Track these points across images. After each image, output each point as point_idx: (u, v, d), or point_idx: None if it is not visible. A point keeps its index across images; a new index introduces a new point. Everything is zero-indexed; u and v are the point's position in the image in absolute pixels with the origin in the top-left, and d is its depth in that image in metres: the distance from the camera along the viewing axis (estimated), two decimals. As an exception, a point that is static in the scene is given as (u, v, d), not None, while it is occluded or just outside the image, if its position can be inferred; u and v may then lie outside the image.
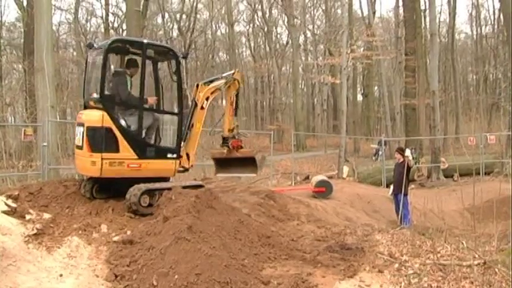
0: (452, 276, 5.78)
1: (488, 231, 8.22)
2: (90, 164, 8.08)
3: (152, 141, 8.92)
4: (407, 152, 13.42)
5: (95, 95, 8.55)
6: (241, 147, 10.37)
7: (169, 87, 23.60)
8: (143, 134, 8.68)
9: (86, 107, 8.86)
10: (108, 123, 8.11)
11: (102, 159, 8.02)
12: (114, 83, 8.68)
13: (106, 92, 8.41)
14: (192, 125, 9.35)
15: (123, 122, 8.35)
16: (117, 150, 8.16)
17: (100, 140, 8.06)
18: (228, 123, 10.15)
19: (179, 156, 8.96)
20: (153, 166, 8.56)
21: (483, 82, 51.46)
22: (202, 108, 9.43)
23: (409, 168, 12.98)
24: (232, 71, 10.43)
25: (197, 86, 9.62)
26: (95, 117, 8.16)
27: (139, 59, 8.99)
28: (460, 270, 5.91)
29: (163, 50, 9.58)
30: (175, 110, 9.43)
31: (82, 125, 8.30)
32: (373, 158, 29.20)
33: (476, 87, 53.97)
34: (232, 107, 10.21)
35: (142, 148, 8.47)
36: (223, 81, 9.95)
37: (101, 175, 8.12)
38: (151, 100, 8.98)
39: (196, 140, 9.40)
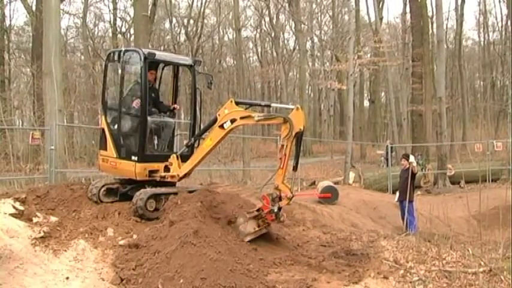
0: (457, 283, 5.77)
1: (494, 239, 8.20)
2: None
3: (130, 143, 8.95)
4: (412, 158, 13.37)
5: None
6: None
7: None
8: (128, 136, 8.99)
9: None
10: (104, 125, 9.21)
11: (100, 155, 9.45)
12: (102, 91, 9.74)
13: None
14: (203, 138, 8.79)
15: (113, 125, 9.10)
16: (105, 149, 9.13)
17: (100, 139, 9.45)
18: (277, 178, 7.68)
19: (142, 160, 8.67)
20: (122, 166, 8.85)
21: (490, 88, 51.32)
22: (221, 127, 8.12)
23: (414, 174, 12.95)
24: (292, 106, 8.10)
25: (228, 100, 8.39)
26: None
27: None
28: (466, 278, 5.89)
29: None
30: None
31: None
32: (382, 165, 29.08)
33: (484, 93, 53.80)
34: (286, 158, 7.63)
35: (119, 148, 8.96)
36: (263, 114, 8.30)
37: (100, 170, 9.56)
38: (135, 103, 8.95)
39: (201, 156, 8.55)
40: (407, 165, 13.16)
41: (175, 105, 9.74)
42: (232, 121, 8.04)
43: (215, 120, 8.26)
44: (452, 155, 29.96)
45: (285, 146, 7.61)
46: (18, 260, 5.93)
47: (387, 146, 26.26)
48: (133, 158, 8.68)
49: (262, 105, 9.02)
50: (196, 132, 9.32)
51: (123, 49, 9.30)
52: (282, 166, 7.61)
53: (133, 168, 8.61)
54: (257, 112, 8.42)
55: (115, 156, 8.84)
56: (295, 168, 7.82)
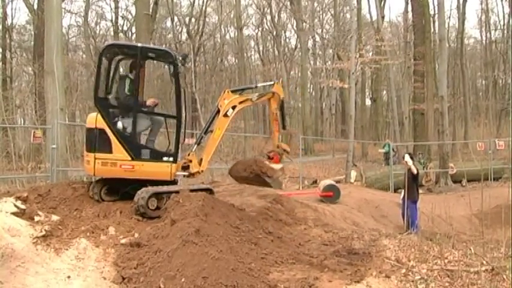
0: (459, 282, 5.76)
1: (497, 237, 8.19)
2: (86, 163, 8.56)
3: (149, 144, 9.00)
4: (406, 157, 13.27)
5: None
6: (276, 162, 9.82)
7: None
8: (138, 136, 8.83)
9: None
10: (101, 124, 8.47)
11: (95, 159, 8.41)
12: (94, 86, 9.08)
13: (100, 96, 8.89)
14: (211, 131, 9.27)
15: (119, 124, 8.57)
16: (109, 151, 8.46)
17: (93, 140, 8.53)
18: (275, 139, 10.04)
19: (176, 161, 8.91)
20: (147, 168, 8.63)
21: (492, 87, 51.26)
22: (226, 115, 9.22)
23: (414, 174, 12.91)
24: (271, 82, 10.16)
25: (224, 91, 9.51)
26: (91, 118, 8.68)
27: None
28: (468, 277, 5.88)
29: (160, 53, 9.72)
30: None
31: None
32: (384, 164, 29.03)
33: (486, 92, 53.76)
34: (277, 122, 9.96)
35: (137, 150, 8.62)
36: (256, 94, 9.77)
37: (96, 174, 8.60)
38: (150, 102, 9.04)
39: (214, 146, 9.29)
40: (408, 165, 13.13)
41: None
42: (233, 107, 9.30)
43: (217, 112, 9.25)
44: (454, 153, 29.93)
45: (276, 114, 9.87)
46: (20, 259, 5.93)
47: (386, 144, 26.30)
48: (166, 159, 8.76)
49: (252, 87, 10.22)
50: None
51: (139, 44, 9.27)
52: (277, 129, 9.97)
53: (169, 169, 8.77)
54: (250, 95, 9.76)
55: (129, 158, 8.46)
56: (284, 127, 10.10)
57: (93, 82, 9.75)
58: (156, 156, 8.75)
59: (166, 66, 9.77)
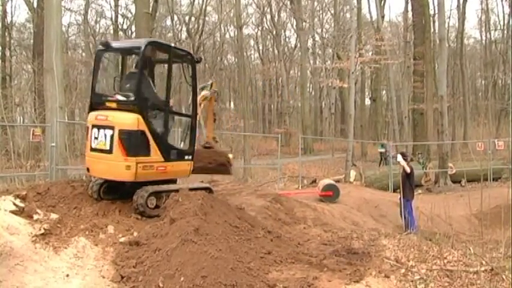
0: (458, 283, 5.76)
1: (496, 238, 8.20)
2: (124, 168, 7.92)
3: (175, 144, 8.96)
4: (399, 158, 13.32)
5: (119, 97, 8.36)
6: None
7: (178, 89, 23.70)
8: (169, 137, 8.70)
9: (94, 108, 8.56)
10: (143, 126, 8.02)
11: (136, 163, 7.92)
12: (137, 85, 8.29)
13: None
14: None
15: (155, 125, 8.28)
16: (148, 154, 8.10)
17: (135, 144, 7.96)
18: (210, 131, 10.64)
19: (193, 158, 9.00)
20: (174, 168, 8.58)
21: (492, 87, 51.28)
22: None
23: (407, 173, 12.96)
24: (210, 82, 10.85)
25: None
26: (130, 120, 7.95)
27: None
28: (467, 277, 5.88)
29: (182, 53, 9.44)
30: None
31: (109, 127, 8.02)
32: (381, 163, 29.01)
33: (485, 92, 53.81)
34: (213, 115, 10.84)
35: (168, 151, 8.45)
36: (208, 92, 10.35)
37: (136, 179, 8.05)
38: (171, 102, 9.04)
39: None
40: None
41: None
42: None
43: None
44: (454, 153, 29.96)
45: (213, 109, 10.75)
46: (19, 257, 5.92)
47: (382, 144, 26.34)
48: (187, 157, 8.78)
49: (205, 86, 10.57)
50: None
51: (172, 44, 9.23)
52: (214, 120, 10.91)
53: (189, 167, 8.87)
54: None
55: (162, 160, 8.27)
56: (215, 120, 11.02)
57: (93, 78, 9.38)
58: (181, 155, 8.71)
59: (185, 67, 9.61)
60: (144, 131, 7.98)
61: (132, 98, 8.15)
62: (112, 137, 7.91)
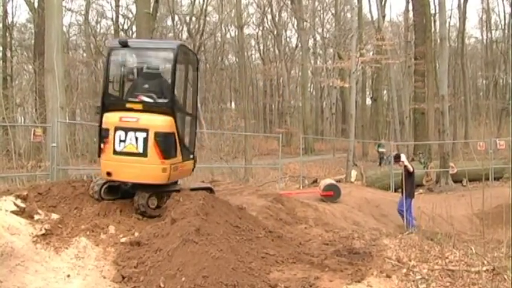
0: (460, 282, 5.75)
1: (498, 237, 8.17)
2: (161, 171, 7.90)
3: (188, 144, 8.97)
4: (403, 157, 13.36)
5: (145, 98, 8.17)
6: None
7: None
8: (187, 138, 8.76)
9: (108, 110, 8.27)
10: (174, 128, 8.03)
11: (170, 165, 7.93)
12: (171, 87, 8.27)
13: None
14: None
15: (180, 127, 8.28)
16: (175, 155, 8.13)
17: (170, 146, 7.96)
18: None
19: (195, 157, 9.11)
20: (185, 167, 8.65)
21: (493, 87, 51.31)
22: None
23: (409, 172, 12.97)
24: None
25: None
26: (165, 122, 7.94)
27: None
28: (469, 276, 5.87)
29: (192, 55, 9.43)
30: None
31: (141, 129, 7.86)
32: (383, 162, 28.96)
33: (486, 92, 53.83)
34: None
35: (186, 151, 8.55)
36: None
37: (168, 181, 8.06)
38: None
39: None
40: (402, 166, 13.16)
41: None
42: None
43: None
44: (455, 153, 29.95)
45: None
46: (19, 258, 5.91)
47: (379, 144, 26.32)
48: (191, 156, 8.86)
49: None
50: None
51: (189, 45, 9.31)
52: None
53: (193, 166, 8.98)
54: None
55: (181, 160, 8.32)
56: None
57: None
58: (190, 155, 8.77)
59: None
60: (174, 133, 8.03)
61: (166, 100, 8.12)
62: (145, 139, 7.81)
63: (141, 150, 7.81)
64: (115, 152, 7.95)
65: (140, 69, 8.62)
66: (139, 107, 8.08)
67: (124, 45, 8.47)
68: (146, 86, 8.32)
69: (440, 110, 23.43)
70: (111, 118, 8.07)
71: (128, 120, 7.91)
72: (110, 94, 8.51)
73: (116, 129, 7.91)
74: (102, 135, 8.13)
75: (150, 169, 7.88)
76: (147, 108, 8.05)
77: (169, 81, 8.28)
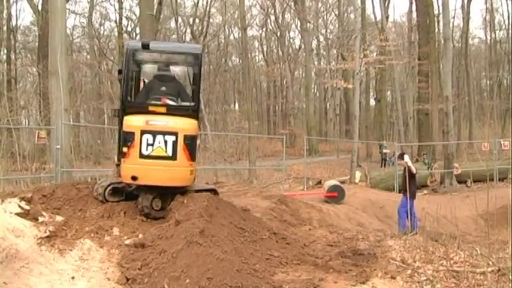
0: (465, 283, 5.73)
1: (502, 238, 8.14)
2: (189, 173, 7.98)
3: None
4: (406, 158, 13.30)
5: (169, 101, 8.16)
6: None
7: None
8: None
9: (128, 112, 8.14)
10: (198, 131, 8.15)
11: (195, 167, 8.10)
12: (197, 91, 8.34)
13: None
14: None
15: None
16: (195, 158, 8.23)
17: (195, 149, 8.06)
18: None
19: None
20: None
21: (497, 87, 51.21)
22: None
23: (412, 173, 12.90)
24: None
25: None
26: (192, 125, 7.98)
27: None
28: (474, 277, 5.85)
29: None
30: None
31: (170, 133, 7.83)
32: (387, 163, 28.91)
33: (490, 92, 53.72)
34: None
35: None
36: None
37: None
38: None
39: None
40: (404, 165, 13.11)
41: None
42: None
43: None
44: (459, 154, 29.87)
45: None
46: (24, 260, 5.92)
47: (381, 145, 26.28)
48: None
49: None
50: None
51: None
52: None
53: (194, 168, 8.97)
54: None
55: (191, 162, 8.26)
56: None
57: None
58: (194, 156, 8.76)
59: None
60: (197, 136, 8.15)
61: (192, 104, 8.18)
62: (174, 142, 7.79)
63: (170, 153, 7.80)
64: (141, 156, 7.83)
65: (162, 72, 8.52)
66: (162, 110, 8.05)
67: (146, 47, 8.36)
68: (168, 89, 8.29)
69: (444, 110, 23.39)
70: (135, 121, 7.92)
71: (156, 123, 7.84)
72: (130, 97, 8.42)
73: (143, 132, 7.81)
74: (126, 139, 7.94)
75: (179, 172, 7.89)
76: (171, 111, 8.04)
77: (192, 84, 8.34)
